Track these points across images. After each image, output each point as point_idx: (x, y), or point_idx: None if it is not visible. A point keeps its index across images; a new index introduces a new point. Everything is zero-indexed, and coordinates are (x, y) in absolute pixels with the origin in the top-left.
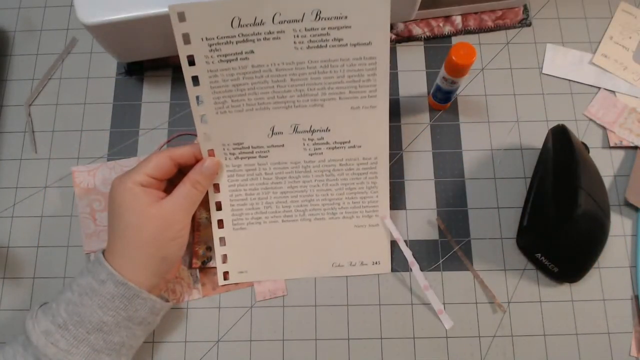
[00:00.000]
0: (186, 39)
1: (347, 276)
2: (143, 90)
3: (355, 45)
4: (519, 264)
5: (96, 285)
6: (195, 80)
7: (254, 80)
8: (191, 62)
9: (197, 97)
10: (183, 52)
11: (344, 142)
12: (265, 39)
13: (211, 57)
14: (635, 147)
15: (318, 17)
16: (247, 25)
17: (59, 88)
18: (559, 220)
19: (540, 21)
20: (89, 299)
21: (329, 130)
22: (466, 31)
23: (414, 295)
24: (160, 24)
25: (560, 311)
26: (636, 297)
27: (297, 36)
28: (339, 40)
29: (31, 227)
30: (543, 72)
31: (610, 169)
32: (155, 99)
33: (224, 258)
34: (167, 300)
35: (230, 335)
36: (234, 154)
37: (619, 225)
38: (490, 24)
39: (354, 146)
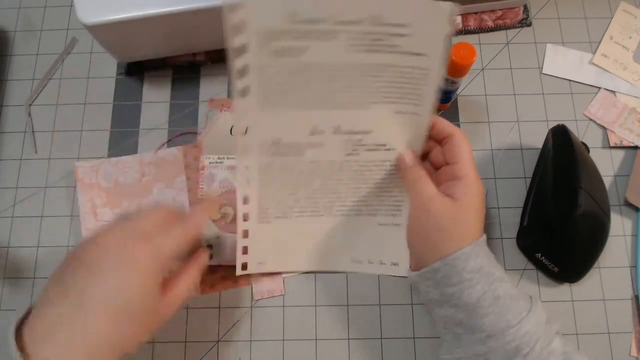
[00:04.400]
0: (238, 29)
1: (363, 274)
2: (143, 90)
3: (410, 54)
4: (519, 264)
5: None
6: (242, 72)
7: (303, 79)
8: (238, 55)
9: (242, 90)
10: (234, 43)
11: (381, 145)
12: (320, 37)
13: (262, 50)
14: (635, 147)
15: (378, 21)
16: (303, 22)
17: (59, 88)
18: (559, 220)
19: (540, 21)
20: None
21: (370, 133)
22: (466, 31)
23: (414, 295)
24: (160, 24)
25: (560, 311)
26: (636, 297)
27: (353, 38)
28: (395, 47)
29: (31, 227)
30: (543, 72)
31: (610, 169)
32: (155, 99)
33: (245, 249)
34: None
35: (230, 335)
36: (270, 149)
37: (619, 225)
38: (490, 24)
39: (390, 149)
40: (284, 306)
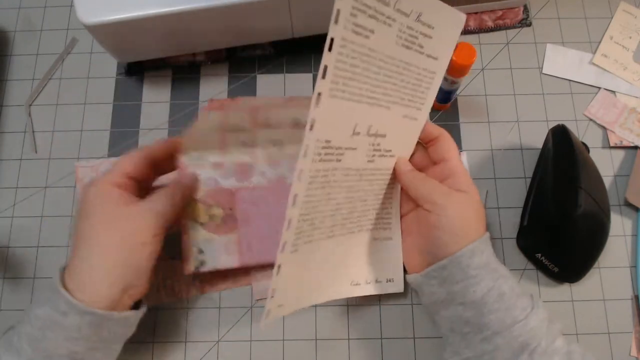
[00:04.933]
0: None
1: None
2: (143, 90)
3: (428, 57)
4: (519, 264)
5: (58, 317)
6: (331, 44)
7: (364, 66)
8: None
9: (323, 69)
10: (337, 5)
11: (388, 151)
12: (384, 22)
13: (349, 21)
14: (635, 147)
15: (419, 18)
16: (379, 1)
17: (59, 88)
18: (559, 220)
19: (540, 21)
20: (53, 333)
21: (385, 137)
22: (466, 31)
23: (414, 296)
24: (160, 24)
25: (560, 311)
26: (636, 297)
27: (401, 30)
28: (421, 46)
29: (31, 227)
30: (543, 72)
31: (610, 169)
32: (155, 99)
33: (273, 292)
34: (140, 304)
35: (230, 335)
36: (320, 154)
37: (619, 225)
38: (490, 24)
39: (394, 155)
40: None
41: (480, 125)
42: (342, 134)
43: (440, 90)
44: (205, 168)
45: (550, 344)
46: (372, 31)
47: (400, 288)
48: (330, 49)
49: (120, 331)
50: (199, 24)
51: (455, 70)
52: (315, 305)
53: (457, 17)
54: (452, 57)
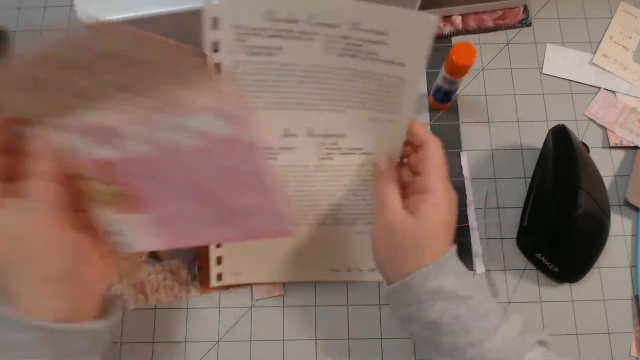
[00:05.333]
0: (214, 24)
1: (341, 282)
2: None
3: (388, 63)
4: (519, 264)
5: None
6: (218, 68)
7: (277, 78)
8: (214, 50)
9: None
10: (209, 37)
11: (357, 149)
12: (297, 37)
13: (237, 46)
14: (635, 147)
15: (356, 27)
16: (280, 20)
17: None
18: (559, 220)
19: (540, 21)
20: (3, 357)
21: (344, 136)
22: (466, 31)
23: None
24: (160, 24)
25: (560, 311)
26: (636, 297)
27: (331, 41)
28: (373, 54)
29: None
30: (543, 72)
31: (610, 169)
32: None
33: (219, 259)
34: (117, 300)
35: (230, 335)
36: None
37: (619, 225)
38: (490, 24)
39: (366, 153)
40: (284, 306)
41: (480, 125)
42: (268, 136)
43: (440, 90)
44: (78, 142)
45: None
46: (279, 48)
47: (381, 277)
48: (219, 72)
49: (87, 346)
50: (199, 24)
51: (455, 70)
52: (315, 305)
53: (424, 21)
54: (452, 57)
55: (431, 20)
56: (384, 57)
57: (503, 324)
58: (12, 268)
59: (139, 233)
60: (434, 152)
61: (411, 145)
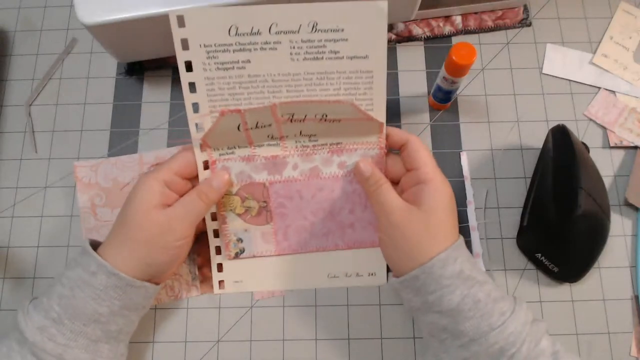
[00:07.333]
0: (185, 45)
1: (341, 287)
2: (143, 90)
3: (351, 59)
4: (519, 264)
5: (87, 277)
6: (192, 86)
7: (250, 90)
8: (189, 68)
9: (194, 104)
10: (181, 58)
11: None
12: (261, 48)
13: (208, 64)
14: (635, 147)
15: (314, 29)
16: (244, 34)
17: (59, 88)
18: (559, 220)
19: (540, 21)
20: (81, 292)
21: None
22: (466, 31)
23: None
24: (160, 24)
25: (560, 311)
26: (636, 297)
27: (294, 47)
28: (336, 52)
29: (31, 227)
30: (543, 72)
31: (610, 169)
32: (155, 99)
33: (219, 267)
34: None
35: (230, 335)
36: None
37: (619, 225)
38: (490, 24)
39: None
40: (284, 306)
41: (480, 125)
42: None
43: (441, 90)
44: (236, 161)
45: (534, 348)
46: (247, 61)
47: (382, 281)
48: (194, 90)
49: (140, 301)
50: None
51: (455, 70)
52: (315, 305)
53: (374, 7)
54: (452, 57)
55: (382, 6)
56: (347, 53)
57: (518, 308)
58: (150, 244)
59: (255, 241)
60: (419, 146)
61: (387, 152)
